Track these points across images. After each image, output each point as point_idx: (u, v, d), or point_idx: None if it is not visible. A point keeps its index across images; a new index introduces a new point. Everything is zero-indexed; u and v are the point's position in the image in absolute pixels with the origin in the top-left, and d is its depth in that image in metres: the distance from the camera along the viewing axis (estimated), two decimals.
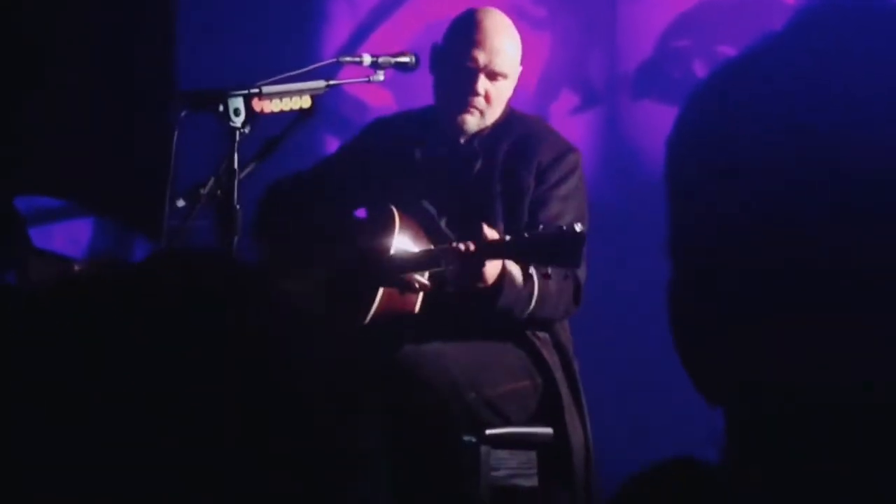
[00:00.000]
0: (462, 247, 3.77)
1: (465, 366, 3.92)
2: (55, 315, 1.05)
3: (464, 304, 3.92)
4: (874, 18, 1.07)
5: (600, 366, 4.39)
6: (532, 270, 3.82)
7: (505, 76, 4.13)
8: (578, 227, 3.64)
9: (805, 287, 1.02)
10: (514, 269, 3.82)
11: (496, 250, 3.77)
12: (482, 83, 4.11)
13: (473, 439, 3.93)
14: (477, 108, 4.12)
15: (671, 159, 1.15)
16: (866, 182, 1.00)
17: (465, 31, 4.17)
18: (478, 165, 4.12)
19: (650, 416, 5.21)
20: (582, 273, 4.03)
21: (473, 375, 3.93)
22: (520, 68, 4.19)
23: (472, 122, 4.14)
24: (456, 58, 4.12)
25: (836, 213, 1.00)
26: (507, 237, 3.75)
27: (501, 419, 3.98)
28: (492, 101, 4.13)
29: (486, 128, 4.16)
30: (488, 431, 3.95)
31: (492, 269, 3.79)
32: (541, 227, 3.78)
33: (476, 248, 3.75)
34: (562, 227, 3.69)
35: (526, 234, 3.74)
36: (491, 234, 3.78)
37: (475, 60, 4.10)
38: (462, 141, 4.16)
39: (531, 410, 4.03)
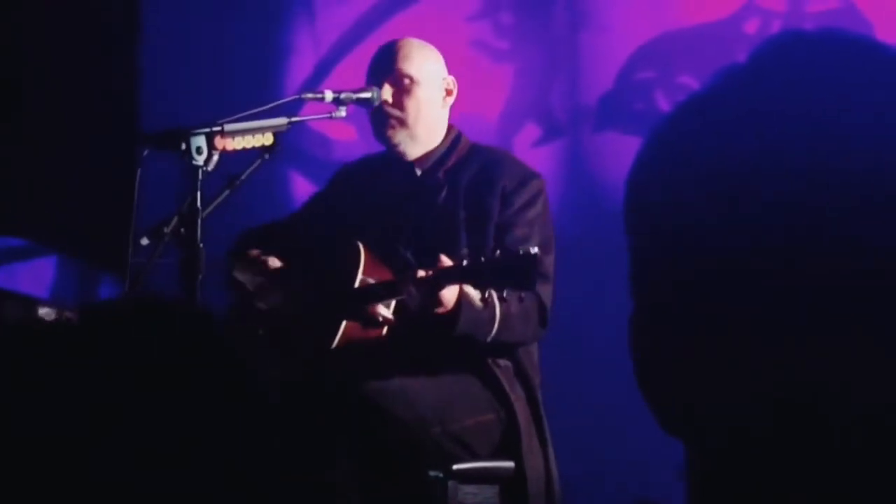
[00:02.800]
0: (421, 273, 3.79)
1: (430, 400, 3.92)
2: (15, 359, 1.05)
3: (428, 334, 3.92)
4: (834, 50, 1.08)
5: (563, 397, 4.39)
6: (490, 293, 3.83)
7: (413, 79, 4.17)
8: (533, 250, 3.65)
9: (762, 320, 1.03)
10: (473, 292, 3.83)
11: (451, 275, 3.79)
12: (387, 90, 4.15)
13: (440, 474, 3.92)
14: (392, 118, 4.16)
15: (631, 195, 1.15)
16: (830, 214, 1.00)
17: (374, 56, 4.27)
18: (442, 195, 4.15)
19: (615, 449, 5.21)
20: (547, 296, 4.04)
21: (439, 410, 3.93)
22: (442, 80, 4.23)
23: (399, 136, 4.17)
24: (368, 76, 4.21)
25: (804, 247, 1.00)
26: (464, 262, 3.77)
27: (467, 453, 3.97)
28: (407, 110, 4.16)
29: (447, 159, 4.19)
30: (455, 466, 3.94)
31: (449, 293, 3.81)
32: (497, 251, 3.79)
33: (432, 274, 3.78)
34: (516, 249, 3.70)
35: (482, 259, 3.76)
36: (446, 260, 3.80)
37: (378, 72, 4.19)
38: (419, 173, 4.19)
39: (496, 443, 4.03)
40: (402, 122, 4.17)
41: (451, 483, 3.92)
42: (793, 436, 1.02)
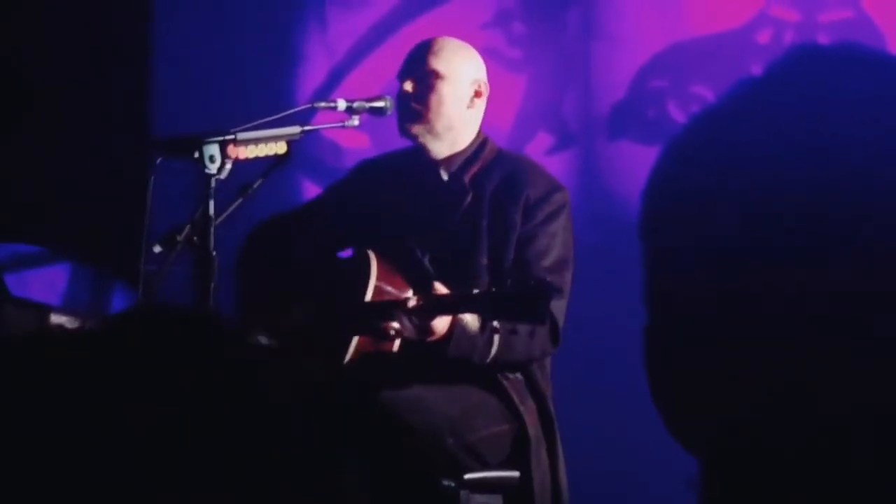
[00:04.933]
0: (412, 302, 3.77)
1: (446, 410, 3.91)
2: (28, 367, 1.05)
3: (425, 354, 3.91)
4: (852, 63, 1.08)
5: (575, 408, 4.39)
6: (496, 323, 3.81)
7: (438, 74, 4.14)
8: (547, 282, 3.60)
9: (780, 329, 1.03)
10: (469, 318, 3.81)
11: (446, 306, 3.77)
12: (409, 83, 4.13)
13: (452, 484, 3.92)
14: (412, 111, 4.13)
15: (647, 206, 1.15)
16: (845, 227, 1.00)
17: (409, 52, 4.27)
18: (467, 201, 4.12)
19: (625, 459, 5.20)
20: (560, 312, 4.01)
21: (454, 420, 3.91)
22: (473, 79, 4.19)
23: (416, 129, 4.13)
24: (398, 75, 4.20)
25: (823, 258, 1.01)
26: (475, 291, 3.74)
27: (479, 463, 3.96)
28: (429, 105, 4.13)
29: (473, 163, 4.16)
30: (467, 476, 3.94)
31: (440, 322, 3.79)
32: (508, 281, 3.77)
33: (421, 304, 3.76)
34: (528, 282, 3.66)
35: (493, 290, 3.74)
36: (441, 289, 3.78)
37: (408, 67, 4.19)
38: (445, 177, 4.17)
39: (507, 453, 4.02)
40: (420, 116, 4.13)
41: (463, 493, 3.92)
42: (808, 445, 1.03)
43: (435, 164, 4.17)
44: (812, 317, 0.83)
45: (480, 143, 4.20)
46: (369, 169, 4.37)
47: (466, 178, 4.14)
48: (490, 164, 4.17)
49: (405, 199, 4.18)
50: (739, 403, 0.88)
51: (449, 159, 4.18)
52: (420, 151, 4.18)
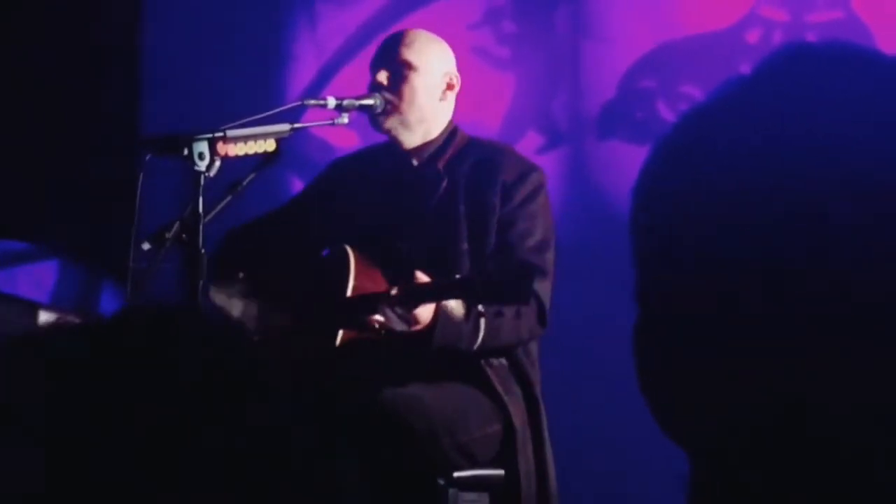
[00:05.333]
0: (394, 291, 3.77)
1: (442, 410, 3.90)
2: (26, 365, 1.05)
3: (406, 346, 3.90)
4: (844, 62, 1.08)
5: (564, 406, 4.39)
6: (481, 307, 3.81)
7: (411, 66, 4.15)
8: (529, 261, 3.59)
9: (769, 332, 1.03)
10: (453, 304, 3.80)
11: (428, 293, 3.77)
12: (382, 74, 4.14)
13: (443, 482, 3.92)
14: (386, 101, 4.12)
15: (637, 206, 1.15)
16: (840, 229, 1.01)
17: (381, 43, 4.28)
18: (442, 187, 4.12)
19: (614, 457, 5.21)
20: (546, 293, 4.00)
21: (450, 420, 3.91)
22: (445, 72, 4.21)
23: (391, 122, 4.13)
24: (371, 67, 4.20)
25: (811, 259, 1.01)
26: (457, 277, 3.74)
27: (472, 463, 3.96)
28: (402, 93, 4.13)
29: (445, 150, 4.16)
30: (456, 474, 3.94)
31: (424, 311, 3.79)
32: (490, 265, 3.77)
33: (403, 293, 3.75)
34: (509, 262, 3.66)
35: (475, 275, 3.74)
36: (422, 277, 3.78)
37: (381, 58, 4.19)
38: (415, 163, 4.17)
39: (496, 451, 4.02)
40: (395, 108, 4.14)
41: (451, 491, 3.92)
42: (799, 444, 1.03)
43: (406, 155, 4.19)
44: (810, 312, 0.85)
45: (451, 132, 4.22)
46: (341, 167, 4.38)
47: (440, 165, 4.15)
48: (462, 150, 4.18)
49: (379, 192, 4.19)
50: (732, 399, 0.90)
51: (420, 148, 4.19)
52: (391, 144, 4.19)
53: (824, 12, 5.28)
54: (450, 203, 4.09)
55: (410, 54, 4.16)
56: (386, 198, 4.17)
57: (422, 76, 4.16)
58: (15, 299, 4.85)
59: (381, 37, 4.44)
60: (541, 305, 3.98)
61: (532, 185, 4.10)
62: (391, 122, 4.14)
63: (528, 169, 4.15)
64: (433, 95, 4.18)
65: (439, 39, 4.28)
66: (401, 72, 4.14)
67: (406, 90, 4.14)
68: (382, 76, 4.14)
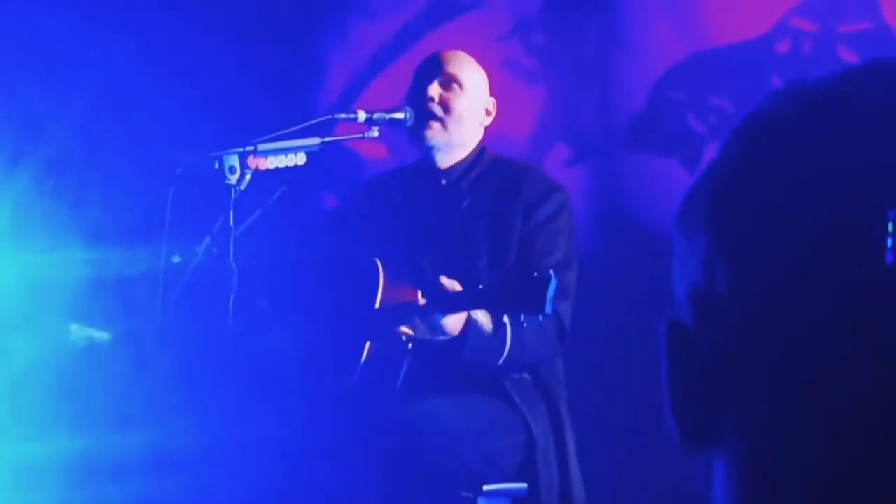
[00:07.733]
0: (421, 301, 3.78)
1: (464, 421, 3.91)
2: None
3: (436, 360, 3.90)
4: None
5: (587, 419, 4.38)
6: (505, 319, 3.81)
7: (461, 85, 4.18)
8: (549, 272, 3.61)
9: (810, 343, 1.02)
10: (482, 317, 3.81)
11: (453, 302, 3.77)
12: (434, 88, 4.16)
13: (471, 494, 3.92)
14: (435, 117, 4.15)
15: (666, 220, 1.14)
16: (864, 233, 0.99)
17: (422, 62, 4.30)
18: (465, 204, 4.14)
19: (644, 472, 5.19)
20: (566, 313, 4.01)
21: (472, 431, 3.91)
22: (486, 98, 4.25)
23: (437, 138, 4.16)
24: (414, 81, 4.21)
25: (859, 279, 0.98)
26: (480, 286, 3.75)
27: (497, 473, 3.96)
28: (452, 112, 4.16)
29: (472, 169, 4.19)
30: (485, 487, 3.93)
31: (452, 321, 3.79)
32: (513, 274, 3.77)
33: (429, 302, 3.76)
34: (529, 272, 3.67)
35: (497, 282, 3.75)
36: (450, 284, 3.78)
37: (427, 71, 4.21)
38: (444, 182, 4.19)
39: (522, 462, 4.02)
40: (444, 125, 4.17)
41: (481, 500, 3.92)
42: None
43: (438, 175, 4.21)
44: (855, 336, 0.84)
45: (479, 152, 4.23)
46: (369, 189, 4.41)
47: (464, 184, 4.17)
48: (488, 169, 4.21)
49: (408, 210, 4.22)
50: (759, 410, 0.88)
51: (451, 168, 4.22)
52: (424, 163, 4.21)
53: (855, 22, 5.26)
54: (472, 220, 4.11)
55: (460, 72, 4.19)
56: (412, 216, 4.20)
57: (470, 98, 4.20)
58: None
59: (411, 50, 4.46)
60: (560, 323, 3.99)
61: (555, 205, 4.11)
62: (437, 139, 4.16)
63: (551, 188, 4.16)
64: (476, 118, 4.23)
65: (477, 65, 4.30)
66: (452, 90, 4.17)
67: (456, 108, 4.17)
68: (434, 90, 4.16)
